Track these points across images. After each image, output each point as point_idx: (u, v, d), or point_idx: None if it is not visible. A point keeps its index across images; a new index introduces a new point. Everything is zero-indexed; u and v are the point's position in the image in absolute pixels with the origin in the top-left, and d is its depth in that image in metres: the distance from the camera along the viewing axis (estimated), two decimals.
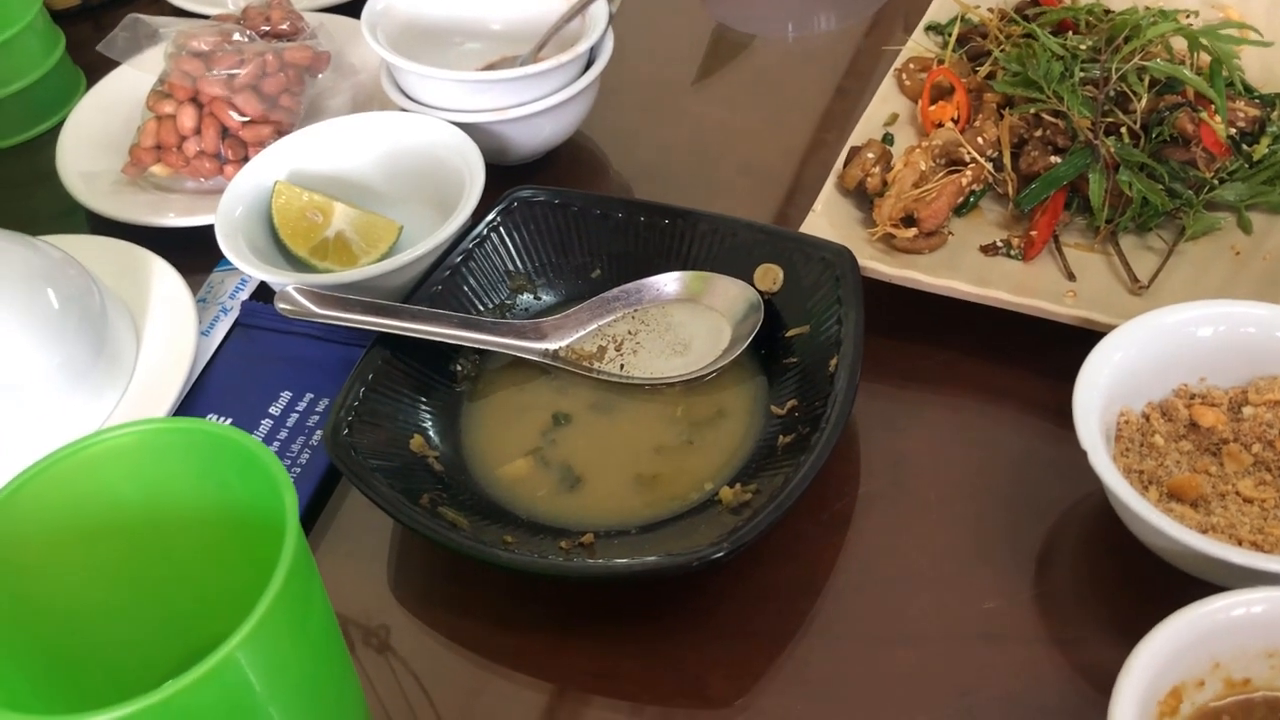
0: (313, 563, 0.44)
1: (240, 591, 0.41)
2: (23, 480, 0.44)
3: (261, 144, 0.76)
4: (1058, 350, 0.59)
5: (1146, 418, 0.56)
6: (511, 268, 0.68)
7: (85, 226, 0.79)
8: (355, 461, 0.57)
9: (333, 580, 0.48)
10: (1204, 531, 0.51)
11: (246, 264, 0.66)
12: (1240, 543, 0.51)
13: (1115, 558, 0.55)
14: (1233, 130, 0.68)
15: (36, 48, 0.88)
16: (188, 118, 0.76)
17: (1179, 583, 0.50)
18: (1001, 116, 0.71)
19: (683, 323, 0.65)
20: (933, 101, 0.74)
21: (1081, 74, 0.69)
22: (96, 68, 0.87)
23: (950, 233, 0.68)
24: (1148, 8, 0.74)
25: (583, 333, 0.66)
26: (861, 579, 0.56)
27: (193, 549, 0.46)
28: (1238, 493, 0.53)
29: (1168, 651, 0.44)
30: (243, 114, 0.76)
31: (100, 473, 0.45)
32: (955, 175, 0.69)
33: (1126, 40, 0.68)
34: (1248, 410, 0.56)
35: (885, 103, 0.76)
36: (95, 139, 0.82)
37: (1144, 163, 0.66)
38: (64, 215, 0.80)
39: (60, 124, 0.84)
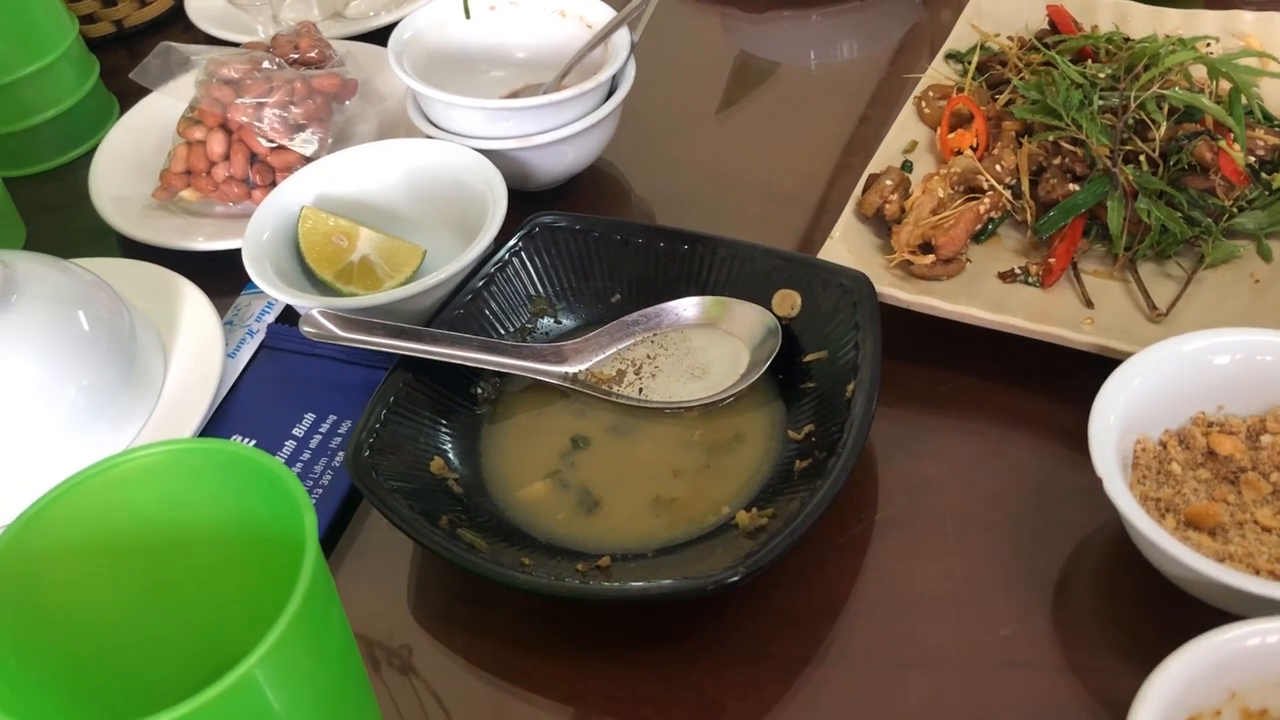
0: (331, 583, 0.44)
1: (262, 609, 0.42)
2: (51, 498, 0.44)
3: (289, 169, 0.77)
4: (1076, 377, 0.59)
5: (1164, 445, 0.56)
6: (533, 292, 0.69)
7: (117, 250, 0.80)
8: (376, 483, 0.57)
9: (352, 600, 0.49)
10: (1221, 560, 0.51)
11: (272, 287, 0.67)
12: (1258, 572, 0.51)
13: (1133, 585, 0.54)
14: (1252, 158, 0.68)
15: (72, 75, 0.90)
16: (217, 143, 0.78)
17: (1197, 611, 0.49)
18: (1020, 144, 0.71)
19: (701, 347, 0.66)
20: (952, 129, 0.75)
21: (1100, 102, 0.69)
22: (129, 94, 0.89)
23: (968, 259, 0.69)
24: (1167, 36, 0.74)
25: (602, 356, 0.66)
26: (879, 604, 0.56)
27: (216, 567, 0.47)
28: (1256, 521, 0.53)
29: (1183, 681, 0.43)
30: (271, 140, 0.78)
31: (127, 491, 0.45)
32: (973, 203, 0.69)
33: (1145, 68, 0.68)
34: (1265, 439, 0.55)
35: (904, 130, 0.76)
36: (127, 164, 0.84)
37: (1163, 190, 0.66)
38: (97, 239, 0.81)
39: (94, 149, 0.86)
